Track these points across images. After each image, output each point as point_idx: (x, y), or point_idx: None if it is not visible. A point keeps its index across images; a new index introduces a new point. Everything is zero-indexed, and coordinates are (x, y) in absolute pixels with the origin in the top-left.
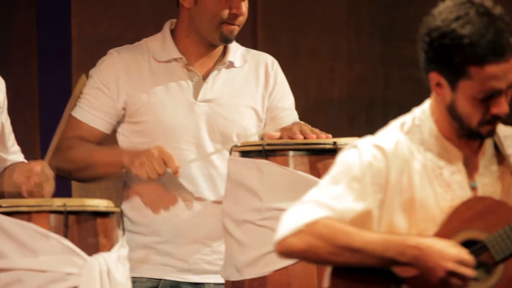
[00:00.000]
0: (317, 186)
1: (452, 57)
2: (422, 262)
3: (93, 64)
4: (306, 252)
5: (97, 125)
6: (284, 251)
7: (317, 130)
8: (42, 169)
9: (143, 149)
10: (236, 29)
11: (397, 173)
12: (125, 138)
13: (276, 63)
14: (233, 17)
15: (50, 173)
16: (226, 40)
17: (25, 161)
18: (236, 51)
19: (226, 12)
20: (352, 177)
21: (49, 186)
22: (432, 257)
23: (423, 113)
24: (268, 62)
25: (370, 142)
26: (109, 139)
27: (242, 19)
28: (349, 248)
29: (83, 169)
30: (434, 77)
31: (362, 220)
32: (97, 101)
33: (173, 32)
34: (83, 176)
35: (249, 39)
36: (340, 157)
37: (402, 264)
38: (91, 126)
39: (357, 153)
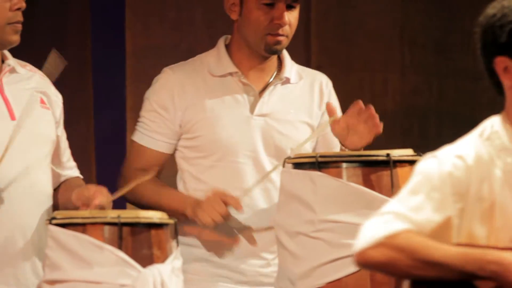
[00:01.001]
0: (396, 197)
1: None
2: (503, 278)
3: (147, 76)
4: (386, 265)
5: (158, 148)
6: (364, 263)
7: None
8: (101, 202)
9: (202, 198)
10: (282, 40)
11: (477, 181)
12: (182, 154)
13: (330, 83)
14: (276, 27)
15: (109, 204)
16: (272, 51)
17: (80, 176)
18: (291, 67)
19: (268, 22)
20: (432, 187)
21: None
22: None
23: (501, 119)
24: (323, 81)
25: (449, 152)
26: None
27: (287, 29)
28: (428, 262)
29: (148, 207)
30: (502, 62)
31: (442, 230)
32: (155, 124)
33: (227, 47)
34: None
35: (303, 51)
36: (419, 168)
37: (482, 278)
38: (153, 149)
39: (436, 162)
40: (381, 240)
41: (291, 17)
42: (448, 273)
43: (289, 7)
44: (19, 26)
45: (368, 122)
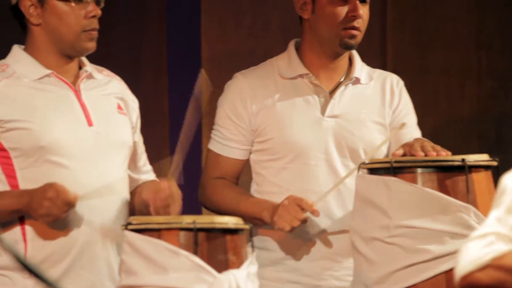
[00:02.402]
0: (493, 216)
1: None
2: None
3: (223, 82)
4: (493, 287)
5: (234, 155)
6: (470, 286)
7: (438, 147)
8: (170, 187)
9: (278, 204)
10: (357, 34)
11: None
12: (255, 157)
13: (401, 82)
14: (351, 19)
15: (177, 192)
16: (347, 46)
17: (156, 180)
18: (361, 68)
19: (343, 16)
20: None
21: (176, 205)
22: None
23: None
24: (393, 80)
25: None
26: None
27: (361, 22)
28: None
29: (226, 213)
30: None
31: None
32: (229, 131)
33: (298, 50)
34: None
35: (379, 56)
36: (509, 185)
37: None
38: (229, 157)
39: None
40: (488, 262)
41: (364, 12)
42: None
43: (362, 1)
44: (95, 34)
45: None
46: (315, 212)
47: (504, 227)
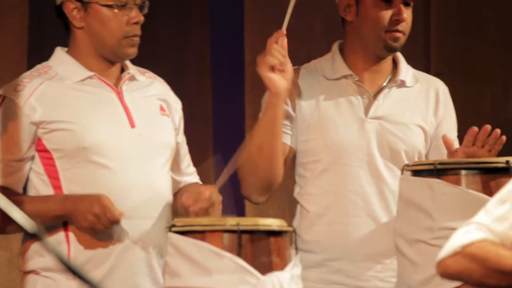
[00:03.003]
0: (485, 206)
1: None
2: None
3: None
4: (461, 274)
5: (285, 141)
6: (442, 272)
7: None
8: (211, 195)
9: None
10: (400, 37)
11: None
12: (297, 159)
13: (446, 89)
14: (395, 23)
15: (218, 199)
16: (391, 49)
17: (200, 182)
18: (407, 70)
19: (387, 19)
20: None
21: (216, 212)
22: None
23: None
24: (439, 87)
25: None
26: None
27: (405, 25)
28: (499, 271)
29: (256, 161)
30: None
31: None
32: None
33: (341, 51)
34: (262, 171)
35: (422, 58)
36: None
37: None
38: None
39: None
40: (457, 249)
41: (407, 15)
42: None
43: (405, 4)
44: (136, 40)
45: (486, 146)
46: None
47: (488, 217)
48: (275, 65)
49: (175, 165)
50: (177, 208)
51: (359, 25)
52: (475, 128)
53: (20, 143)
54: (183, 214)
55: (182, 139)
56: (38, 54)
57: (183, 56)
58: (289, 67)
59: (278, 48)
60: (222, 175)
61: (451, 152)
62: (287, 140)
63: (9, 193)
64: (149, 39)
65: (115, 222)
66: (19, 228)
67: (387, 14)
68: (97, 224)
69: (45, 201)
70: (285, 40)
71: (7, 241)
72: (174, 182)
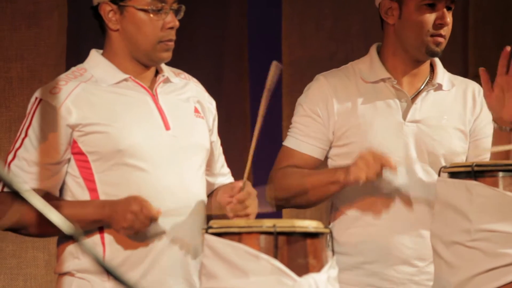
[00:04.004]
0: None
1: None
2: None
3: (303, 86)
4: None
5: (310, 152)
6: None
7: None
8: (244, 186)
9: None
10: (442, 42)
11: None
12: (333, 162)
13: (482, 91)
14: (438, 27)
15: (253, 191)
16: (433, 54)
17: (233, 182)
18: (443, 74)
19: (431, 24)
20: None
21: (253, 204)
22: None
23: None
24: (475, 88)
25: None
26: None
27: (447, 30)
28: None
29: (300, 194)
30: None
31: None
32: (308, 128)
33: (379, 53)
34: (301, 201)
35: (460, 60)
36: None
37: None
38: (305, 153)
39: None
40: None
41: (449, 19)
42: None
43: (448, 8)
44: (171, 44)
45: None
46: (394, 169)
47: None
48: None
49: (210, 166)
50: (211, 209)
51: (401, 28)
52: (508, 48)
53: (57, 146)
54: (218, 214)
55: (216, 139)
56: (77, 56)
57: (221, 58)
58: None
59: (380, 172)
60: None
61: (488, 92)
62: (318, 154)
63: (47, 197)
64: (188, 42)
65: (153, 219)
66: (56, 230)
67: (430, 18)
68: (136, 222)
69: (84, 206)
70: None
71: (44, 242)
72: (209, 183)
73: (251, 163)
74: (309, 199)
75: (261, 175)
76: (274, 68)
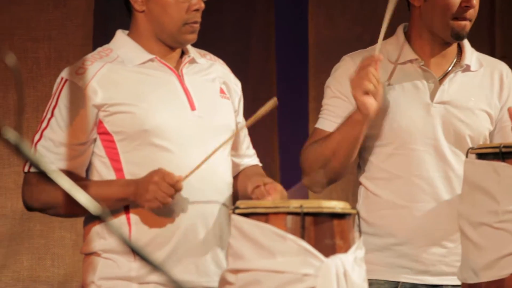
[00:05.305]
0: None
1: None
2: None
3: (329, 67)
4: None
5: None
6: None
7: None
8: (273, 199)
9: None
10: (467, 24)
11: None
12: (362, 143)
13: (510, 73)
14: (464, 10)
15: (284, 193)
16: (458, 37)
17: (259, 164)
18: (471, 54)
19: (456, 6)
20: None
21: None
22: None
23: None
24: (503, 70)
25: None
26: None
27: (473, 13)
28: None
29: (330, 157)
30: None
31: None
32: (338, 109)
33: (406, 34)
34: (334, 165)
35: (487, 40)
36: None
37: None
38: None
39: None
40: None
41: (476, 1)
42: None
43: None
44: (196, 26)
45: None
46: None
47: None
48: (371, 91)
49: (235, 147)
50: (237, 191)
51: (427, 11)
52: None
53: (83, 126)
54: (245, 197)
55: (242, 120)
56: (104, 36)
57: (248, 40)
58: (380, 89)
59: (375, 73)
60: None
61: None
62: None
63: (73, 177)
64: (214, 23)
65: (176, 187)
66: (83, 210)
67: (456, 0)
68: (159, 192)
69: (109, 185)
70: (379, 63)
71: (72, 222)
72: (234, 164)
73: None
74: (339, 157)
75: (288, 154)
76: (271, 103)
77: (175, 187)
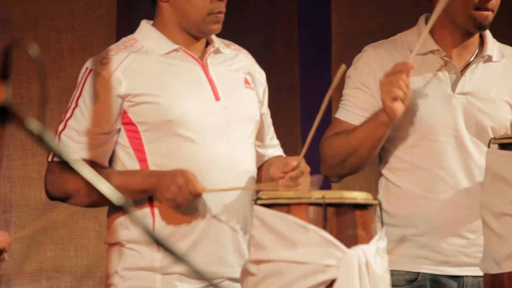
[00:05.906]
0: None
1: None
2: None
3: (352, 57)
4: None
5: (359, 123)
6: None
7: None
8: (298, 164)
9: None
10: (490, 15)
11: None
12: None
13: None
14: (486, 0)
15: (306, 168)
16: (480, 27)
17: (283, 155)
18: (493, 45)
19: None
20: None
21: (305, 182)
22: None
23: None
24: None
25: None
26: None
27: (495, 3)
28: None
29: (351, 153)
30: None
31: None
32: (358, 100)
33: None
34: (355, 161)
35: (509, 31)
36: None
37: None
38: (354, 124)
39: None
40: None
41: None
42: None
43: None
44: (221, 16)
45: None
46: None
47: None
48: (400, 97)
49: (259, 138)
50: (262, 181)
51: (449, 1)
52: None
53: (107, 116)
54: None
55: (266, 111)
56: (127, 27)
57: (271, 30)
58: (409, 95)
59: (406, 80)
60: (305, 144)
61: None
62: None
63: (96, 167)
64: (238, 13)
65: (196, 195)
66: (107, 201)
67: None
68: (179, 196)
69: (132, 175)
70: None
71: (95, 213)
72: (258, 155)
73: (309, 143)
74: (361, 154)
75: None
76: (341, 71)
77: (195, 196)
